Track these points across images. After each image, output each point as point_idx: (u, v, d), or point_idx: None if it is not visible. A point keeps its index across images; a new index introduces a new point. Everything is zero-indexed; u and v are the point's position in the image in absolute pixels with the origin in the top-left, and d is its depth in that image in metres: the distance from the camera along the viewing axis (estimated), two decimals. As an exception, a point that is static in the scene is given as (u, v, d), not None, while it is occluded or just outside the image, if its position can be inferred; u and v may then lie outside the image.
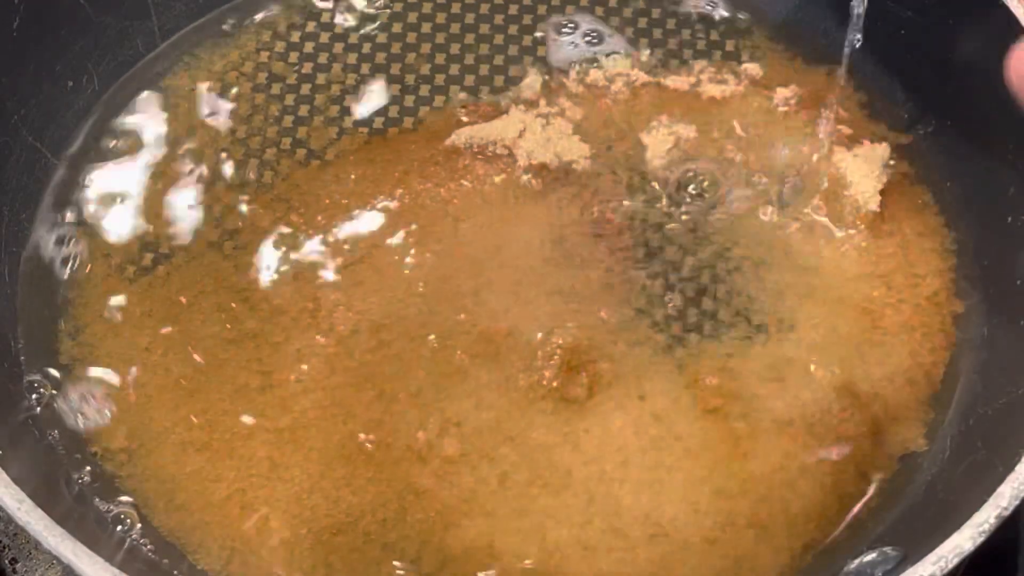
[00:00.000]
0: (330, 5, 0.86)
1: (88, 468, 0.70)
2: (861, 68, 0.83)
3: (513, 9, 0.86)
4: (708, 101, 0.81)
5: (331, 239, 0.76)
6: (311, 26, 0.86)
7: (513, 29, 0.85)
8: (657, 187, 0.79)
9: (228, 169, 0.80)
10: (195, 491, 0.69)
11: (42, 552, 0.74)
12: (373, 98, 0.83)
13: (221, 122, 0.81)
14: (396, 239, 0.76)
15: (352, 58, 0.84)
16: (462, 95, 0.83)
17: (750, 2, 0.86)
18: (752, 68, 0.83)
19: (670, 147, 0.79)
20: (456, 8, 0.86)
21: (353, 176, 0.79)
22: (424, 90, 0.83)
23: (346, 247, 0.76)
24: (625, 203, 0.78)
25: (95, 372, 0.72)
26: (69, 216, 0.77)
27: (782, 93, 0.81)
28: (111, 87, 0.82)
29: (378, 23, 0.86)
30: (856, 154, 0.79)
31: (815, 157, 0.78)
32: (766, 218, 0.77)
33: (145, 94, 0.82)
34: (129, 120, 0.81)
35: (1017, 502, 0.59)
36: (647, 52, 0.84)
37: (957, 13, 0.77)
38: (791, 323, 0.74)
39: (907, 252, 0.76)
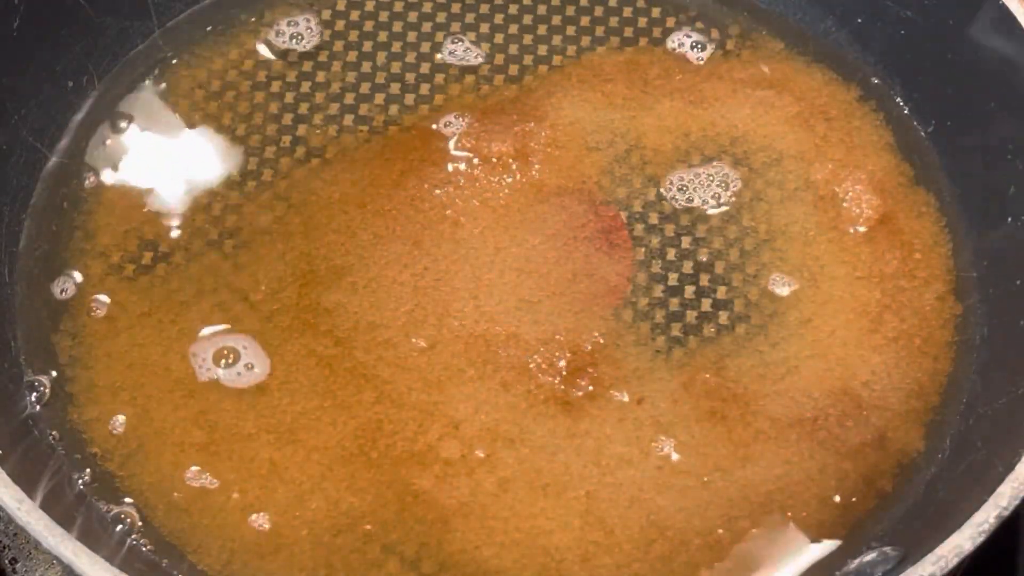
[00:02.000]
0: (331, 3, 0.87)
1: (88, 468, 0.70)
2: (861, 68, 0.83)
3: (513, 9, 0.86)
4: (708, 101, 0.81)
5: (330, 238, 0.76)
6: (311, 23, 0.86)
7: (514, 28, 0.85)
8: (657, 188, 0.79)
9: (228, 167, 0.80)
10: (195, 492, 0.69)
11: (42, 552, 0.74)
12: (373, 96, 0.83)
13: (221, 121, 0.81)
14: (395, 240, 0.76)
15: (352, 56, 0.84)
16: (463, 94, 0.82)
17: (750, 1, 0.86)
18: (752, 67, 0.83)
19: (670, 148, 0.79)
20: (456, 8, 0.86)
21: (353, 175, 0.79)
22: (424, 89, 0.83)
23: (345, 246, 0.76)
24: (625, 204, 0.78)
25: (95, 372, 0.72)
26: (69, 216, 0.77)
27: (783, 92, 0.81)
28: (111, 87, 0.82)
29: (378, 20, 0.86)
30: (855, 156, 0.79)
31: (815, 159, 0.79)
32: (766, 221, 0.77)
33: (145, 93, 0.82)
34: (129, 120, 0.81)
35: (1017, 502, 0.60)
36: (646, 51, 0.84)
37: (957, 13, 0.77)
38: (790, 325, 0.74)
39: (907, 253, 0.76)
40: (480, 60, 0.84)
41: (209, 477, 0.69)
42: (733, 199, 0.78)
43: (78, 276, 0.75)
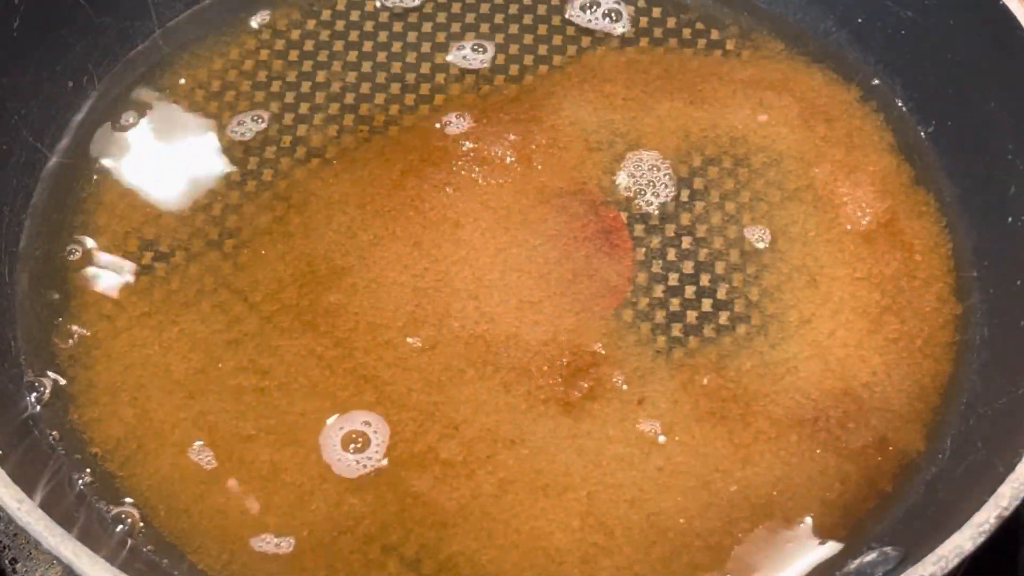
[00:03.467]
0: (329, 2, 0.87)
1: (88, 468, 0.70)
2: (861, 68, 0.83)
3: (513, 9, 0.86)
4: (708, 102, 0.81)
5: (330, 238, 0.76)
6: (311, 24, 0.86)
7: (514, 28, 0.85)
8: (657, 189, 0.79)
9: (228, 168, 0.80)
10: (195, 492, 0.69)
11: (42, 552, 0.74)
12: (374, 96, 0.83)
13: (221, 121, 0.81)
14: (395, 241, 0.76)
15: (352, 55, 0.84)
16: (463, 94, 0.82)
17: (750, 1, 0.86)
18: (752, 67, 0.83)
19: (671, 148, 0.79)
20: (456, 8, 0.86)
21: (353, 175, 0.79)
22: (424, 89, 0.83)
23: (345, 247, 0.76)
24: (625, 205, 0.78)
25: (95, 372, 0.72)
26: (69, 216, 0.77)
27: (783, 92, 0.81)
28: (111, 87, 0.82)
29: (378, 20, 0.86)
30: (855, 156, 0.79)
31: (815, 160, 0.79)
32: (765, 221, 0.77)
33: (145, 94, 0.82)
34: (129, 120, 0.81)
35: (1017, 502, 0.60)
36: (647, 51, 0.84)
37: (957, 13, 0.77)
38: (790, 326, 0.74)
39: (907, 254, 0.76)
40: (480, 60, 0.84)
41: (209, 478, 0.69)
42: (732, 201, 0.78)
43: (78, 276, 0.75)
